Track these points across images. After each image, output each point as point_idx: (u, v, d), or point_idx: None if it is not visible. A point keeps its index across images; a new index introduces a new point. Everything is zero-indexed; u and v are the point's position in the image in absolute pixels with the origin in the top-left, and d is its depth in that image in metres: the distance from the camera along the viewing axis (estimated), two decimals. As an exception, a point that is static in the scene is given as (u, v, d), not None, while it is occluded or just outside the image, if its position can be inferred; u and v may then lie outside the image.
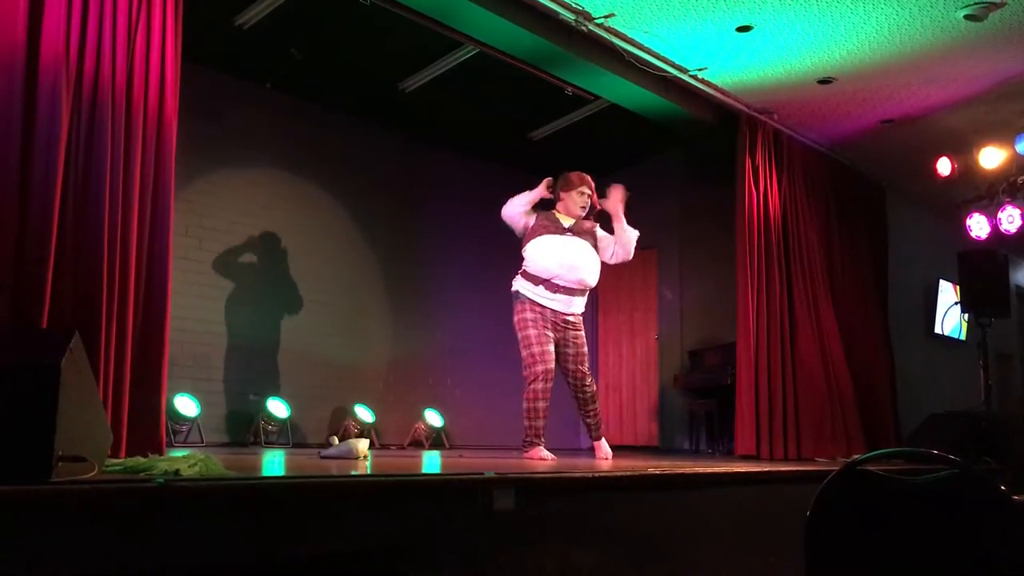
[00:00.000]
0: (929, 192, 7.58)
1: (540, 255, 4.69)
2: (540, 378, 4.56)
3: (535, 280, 4.68)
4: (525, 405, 4.60)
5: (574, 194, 4.81)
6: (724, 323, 7.05)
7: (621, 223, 4.88)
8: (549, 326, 4.67)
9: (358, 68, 6.41)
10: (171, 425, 5.49)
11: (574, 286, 4.72)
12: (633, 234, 4.90)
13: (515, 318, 4.71)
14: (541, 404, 4.57)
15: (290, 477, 2.82)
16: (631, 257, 4.96)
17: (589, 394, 4.80)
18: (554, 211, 4.87)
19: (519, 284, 4.75)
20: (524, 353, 4.63)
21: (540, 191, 4.82)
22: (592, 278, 4.79)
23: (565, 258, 4.68)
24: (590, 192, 4.86)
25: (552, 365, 4.63)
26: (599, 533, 2.98)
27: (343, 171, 7.04)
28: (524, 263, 4.76)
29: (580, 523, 2.94)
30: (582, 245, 4.76)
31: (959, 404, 7.49)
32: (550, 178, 4.86)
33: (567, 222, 4.80)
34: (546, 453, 4.54)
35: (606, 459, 4.80)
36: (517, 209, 4.79)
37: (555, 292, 4.68)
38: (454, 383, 7.51)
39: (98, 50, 3.29)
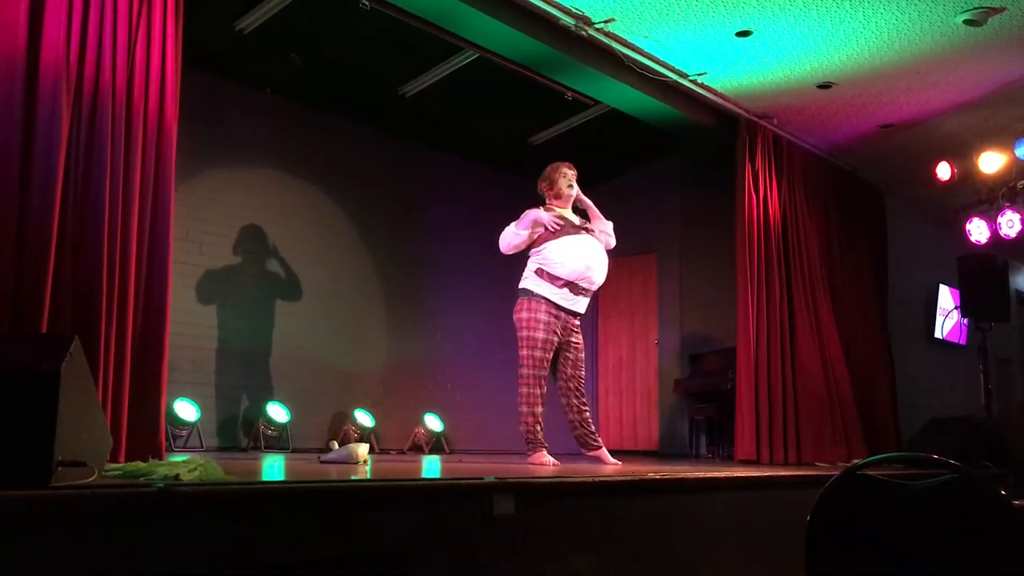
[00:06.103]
0: (929, 197, 7.58)
1: (567, 256, 4.50)
2: (540, 383, 4.47)
3: (558, 281, 4.50)
4: (525, 410, 4.46)
5: (562, 186, 4.68)
6: (724, 327, 7.05)
7: (598, 215, 4.80)
8: (558, 331, 4.54)
9: (358, 73, 6.42)
10: (171, 430, 5.49)
11: (592, 287, 4.61)
12: (609, 224, 4.80)
13: (523, 315, 4.51)
14: (540, 409, 4.48)
15: (290, 482, 2.81)
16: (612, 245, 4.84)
17: (585, 400, 4.65)
18: (554, 207, 4.71)
19: (535, 284, 4.52)
20: (526, 352, 4.48)
21: (532, 220, 4.57)
22: (604, 277, 4.68)
23: (589, 259, 4.54)
24: (572, 172, 4.73)
25: (547, 373, 4.55)
26: (599, 538, 2.97)
27: (343, 176, 7.05)
28: (543, 262, 4.53)
29: (580, 528, 2.93)
30: (597, 244, 4.63)
31: (959, 409, 7.48)
32: (538, 210, 4.62)
33: (575, 219, 4.66)
34: (550, 458, 4.43)
35: (617, 464, 4.61)
36: (521, 238, 4.56)
37: (577, 294, 4.56)
38: (454, 387, 7.50)
39: (98, 54, 3.29)
